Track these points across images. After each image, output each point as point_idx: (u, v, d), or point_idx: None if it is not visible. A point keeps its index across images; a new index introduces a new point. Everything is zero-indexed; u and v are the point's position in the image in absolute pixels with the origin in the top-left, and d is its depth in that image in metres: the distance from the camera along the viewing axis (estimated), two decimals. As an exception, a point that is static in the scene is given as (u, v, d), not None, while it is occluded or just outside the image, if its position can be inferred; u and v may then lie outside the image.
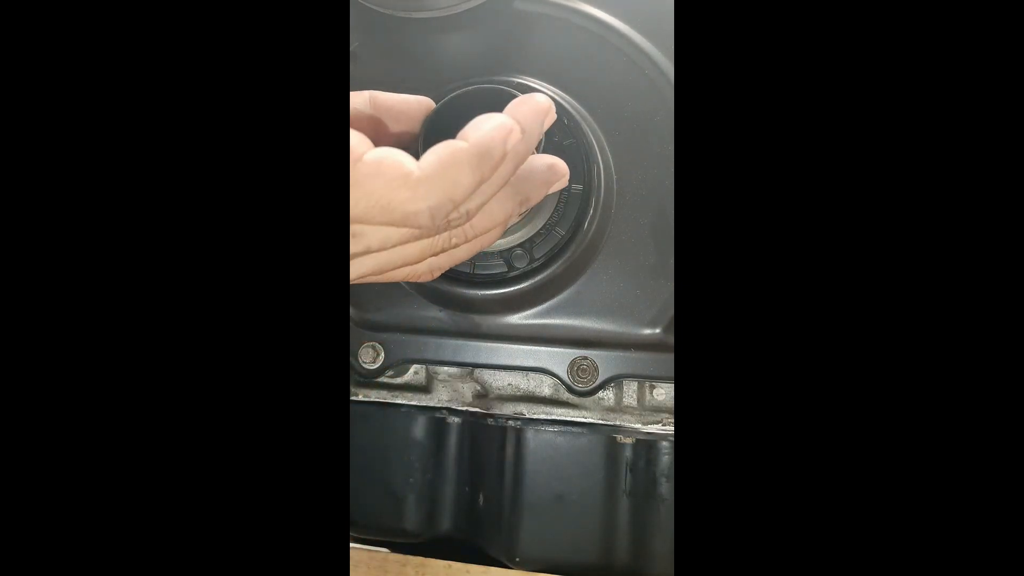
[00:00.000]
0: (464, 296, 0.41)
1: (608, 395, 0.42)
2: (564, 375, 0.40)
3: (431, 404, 0.44)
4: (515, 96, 0.32)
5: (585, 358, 0.40)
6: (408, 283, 0.43)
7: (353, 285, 0.41)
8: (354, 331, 0.43)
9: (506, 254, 0.40)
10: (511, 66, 0.43)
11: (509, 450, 0.42)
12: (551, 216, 0.40)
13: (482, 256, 0.40)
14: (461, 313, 0.42)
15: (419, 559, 0.41)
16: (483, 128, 0.29)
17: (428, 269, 0.33)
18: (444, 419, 0.44)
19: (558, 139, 0.41)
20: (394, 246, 0.29)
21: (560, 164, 0.33)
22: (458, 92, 0.36)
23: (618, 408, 0.42)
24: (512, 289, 0.41)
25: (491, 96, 0.34)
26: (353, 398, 0.44)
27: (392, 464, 0.44)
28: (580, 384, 0.40)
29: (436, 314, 0.42)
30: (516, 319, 0.42)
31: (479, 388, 0.44)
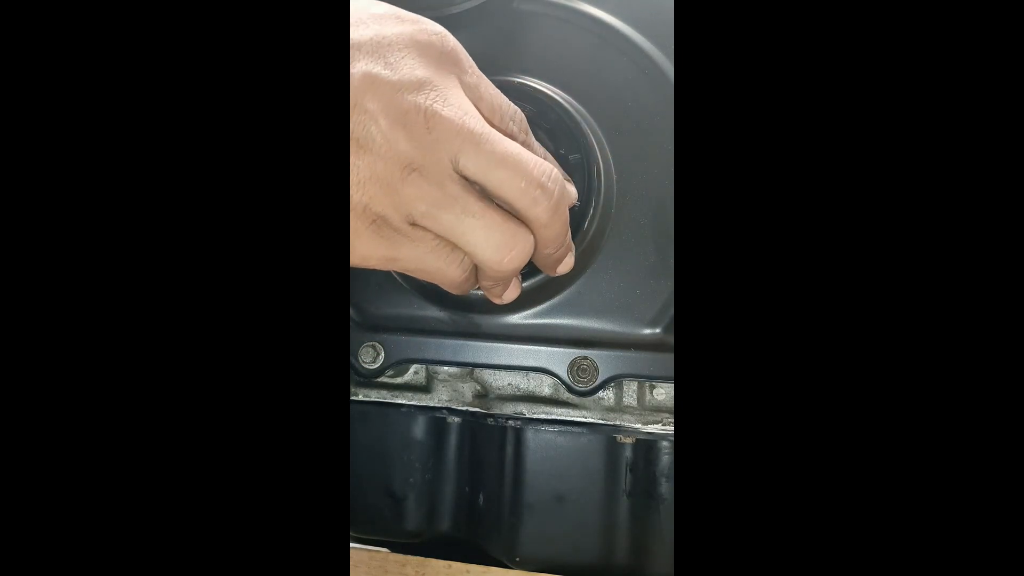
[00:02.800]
0: (464, 296, 0.41)
1: (608, 395, 0.42)
2: (564, 375, 0.40)
3: (431, 404, 0.44)
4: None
5: (585, 358, 0.40)
6: (407, 283, 0.43)
7: (353, 285, 0.41)
8: (354, 331, 0.43)
9: None
10: (511, 66, 0.43)
11: (509, 450, 0.42)
12: None
13: None
14: (461, 313, 0.42)
15: (419, 559, 0.41)
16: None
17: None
18: (444, 419, 0.44)
19: (559, 145, 0.41)
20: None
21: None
22: None
23: (618, 408, 0.42)
24: (512, 289, 0.41)
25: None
26: (353, 398, 0.44)
27: (392, 464, 0.44)
28: (580, 384, 0.40)
29: (436, 314, 0.42)
30: (516, 319, 0.42)
31: (479, 388, 0.44)
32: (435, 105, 0.29)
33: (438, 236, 0.31)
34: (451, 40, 0.31)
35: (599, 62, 0.43)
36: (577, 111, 0.42)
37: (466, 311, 0.42)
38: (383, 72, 0.28)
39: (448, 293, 0.42)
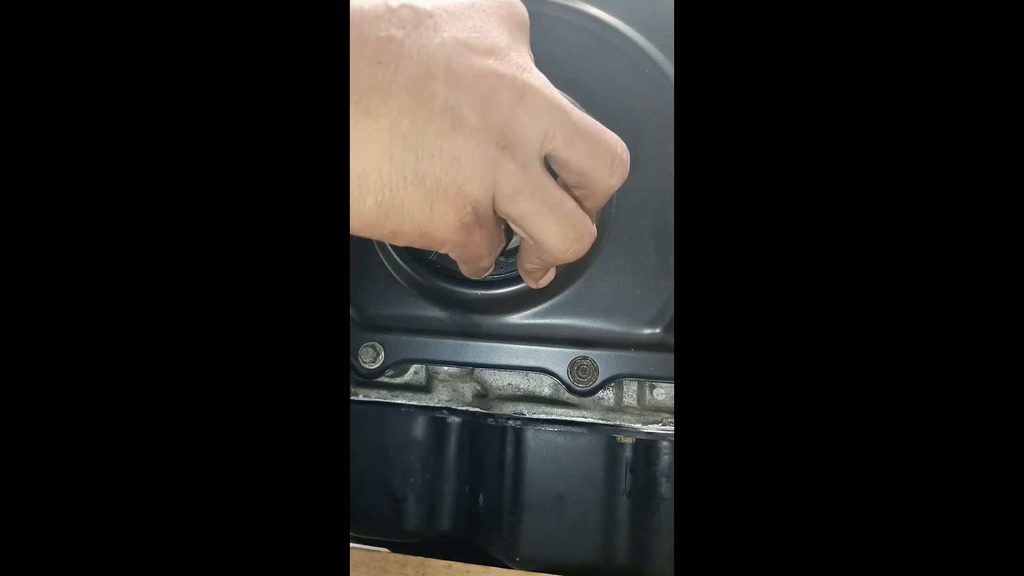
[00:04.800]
0: (464, 296, 0.41)
1: (608, 395, 0.42)
2: (564, 375, 0.40)
3: (431, 404, 0.44)
4: None
5: (585, 358, 0.40)
6: (407, 283, 0.43)
7: (353, 285, 0.41)
8: (354, 331, 0.43)
9: (506, 254, 0.40)
10: (511, 66, 0.43)
11: (509, 450, 0.42)
12: None
13: None
14: (461, 313, 0.42)
15: (419, 559, 0.41)
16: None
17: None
18: (444, 419, 0.44)
19: None
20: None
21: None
22: None
23: (618, 408, 0.42)
24: (512, 289, 0.41)
25: None
26: (353, 398, 0.44)
27: (392, 464, 0.44)
28: (580, 384, 0.40)
29: (436, 314, 0.42)
30: (516, 319, 0.42)
31: (479, 388, 0.44)
32: (525, 75, 0.27)
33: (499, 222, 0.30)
34: (524, 8, 0.30)
35: (599, 62, 0.43)
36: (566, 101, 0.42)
37: (466, 311, 0.42)
38: (473, 37, 0.26)
39: (449, 293, 0.42)
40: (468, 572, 0.40)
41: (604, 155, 0.30)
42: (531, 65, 0.28)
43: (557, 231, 0.29)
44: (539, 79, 0.28)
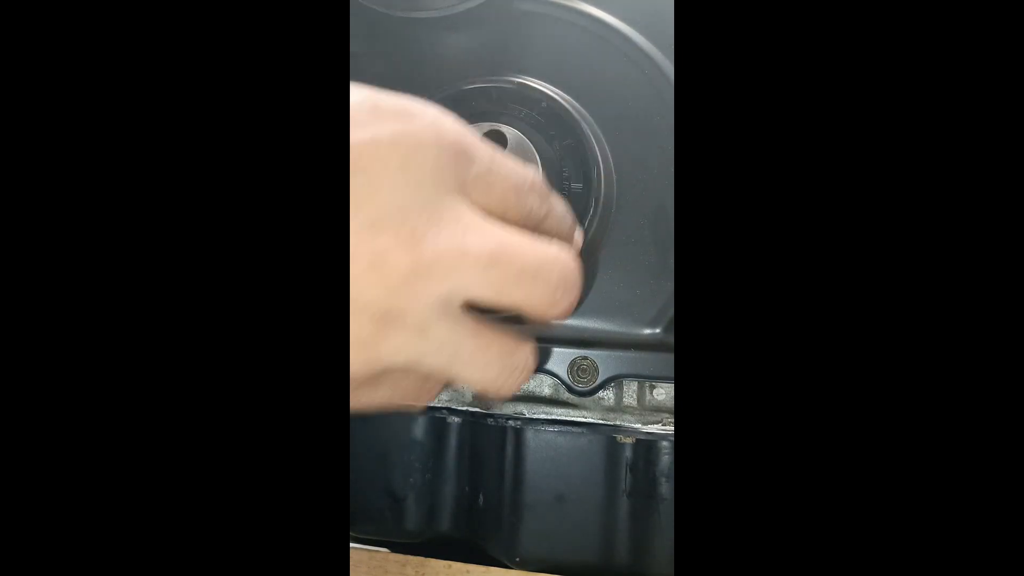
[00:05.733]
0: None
1: (608, 395, 0.42)
2: (564, 375, 0.40)
3: (431, 404, 0.44)
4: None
5: (585, 358, 0.40)
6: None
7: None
8: (354, 331, 0.42)
9: None
10: (511, 66, 0.43)
11: (509, 450, 0.42)
12: None
13: None
14: (461, 313, 0.42)
15: (419, 559, 0.41)
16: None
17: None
18: (444, 419, 0.44)
19: (559, 139, 0.41)
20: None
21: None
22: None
23: (618, 408, 0.42)
24: (512, 289, 0.41)
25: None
26: (353, 398, 0.44)
27: (392, 464, 0.44)
28: (580, 384, 0.40)
29: None
30: (516, 319, 0.42)
31: (479, 388, 0.44)
32: (428, 235, 0.23)
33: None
34: (449, 131, 0.25)
35: (599, 62, 0.43)
36: (566, 101, 0.42)
37: (466, 311, 0.42)
38: (352, 202, 0.22)
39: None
40: (468, 572, 0.40)
41: (544, 294, 0.26)
42: (445, 215, 0.24)
43: (484, 374, 0.27)
44: (449, 235, 0.24)
